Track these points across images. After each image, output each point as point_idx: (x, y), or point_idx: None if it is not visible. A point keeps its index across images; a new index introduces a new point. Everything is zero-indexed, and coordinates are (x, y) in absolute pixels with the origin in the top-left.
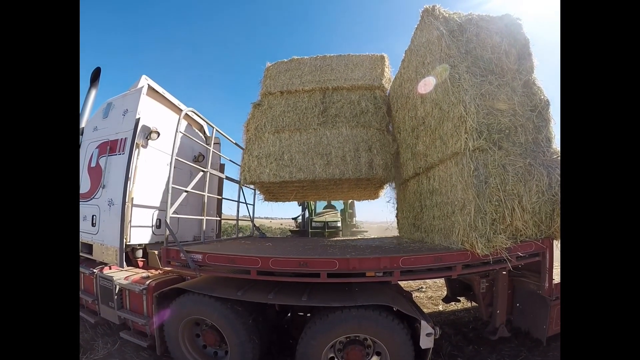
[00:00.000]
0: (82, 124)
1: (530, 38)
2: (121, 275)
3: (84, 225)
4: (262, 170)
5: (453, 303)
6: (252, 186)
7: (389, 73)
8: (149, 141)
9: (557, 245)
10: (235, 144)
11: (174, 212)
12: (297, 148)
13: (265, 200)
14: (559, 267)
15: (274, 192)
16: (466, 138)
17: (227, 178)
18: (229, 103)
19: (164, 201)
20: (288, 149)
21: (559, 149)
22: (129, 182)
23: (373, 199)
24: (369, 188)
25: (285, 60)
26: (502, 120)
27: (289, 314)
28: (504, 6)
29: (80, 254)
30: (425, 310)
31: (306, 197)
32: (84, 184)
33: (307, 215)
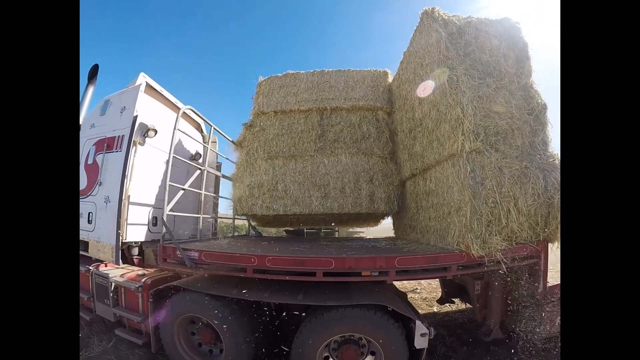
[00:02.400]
0: (80, 121)
1: (528, 42)
2: (117, 273)
3: (80, 222)
4: (254, 202)
5: (447, 304)
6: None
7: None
8: (146, 139)
9: (552, 248)
10: (233, 142)
11: (170, 209)
12: (292, 178)
13: (258, 225)
14: (554, 269)
15: (268, 221)
16: (463, 140)
17: (224, 177)
18: (227, 99)
19: (160, 199)
20: (282, 179)
21: (555, 152)
22: (125, 179)
23: (373, 227)
24: (369, 219)
25: (280, 75)
26: (499, 122)
27: (285, 313)
28: (504, 10)
29: None
30: (419, 311)
31: (302, 225)
32: (81, 181)
33: None
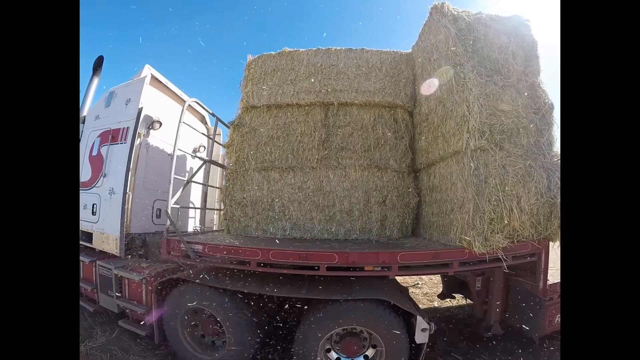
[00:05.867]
0: (84, 113)
1: (538, 40)
2: (121, 264)
3: (84, 214)
4: (247, 223)
5: (448, 300)
6: None
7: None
8: (151, 131)
9: (553, 246)
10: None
11: (174, 202)
12: (290, 195)
13: None
14: (554, 268)
15: None
16: (468, 137)
17: None
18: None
19: (164, 191)
20: (279, 195)
21: (559, 152)
22: (130, 171)
23: None
24: None
25: (273, 53)
26: (505, 121)
27: (287, 306)
28: (516, 7)
29: (80, 242)
30: (420, 306)
31: None
32: (85, 173)
33: None
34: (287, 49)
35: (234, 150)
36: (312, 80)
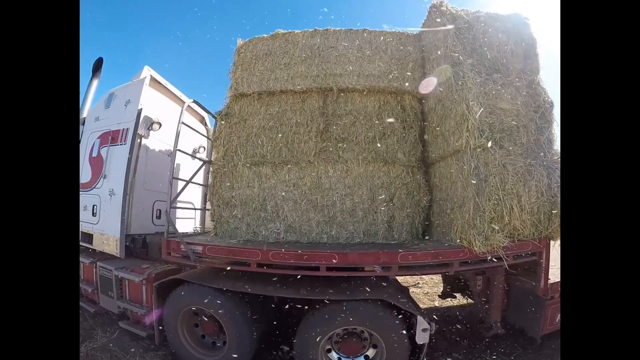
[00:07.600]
0: (84, 114)
1: (537, 38)
2: (121, 265)
3: (85, 215)
4: (237, 225)
5: (449, 299)
6: None
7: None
8: (151, 132)
9: (554, 245)
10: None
11: (174, 203)
12: (284, 194)
13: None
14: (555, 267)
15: None
16: (467, 136)
17: None
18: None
19: (164, 192)
20: (272, 194)
21: (560, 150)
22: (130, 172)
23: None
24: None
25: (266, 36)
26: (504, 119)
27: (287, 306)
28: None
29: (80, 243)
30: (421, 306)
31: None
32: (85, 174)
33: None
34: (281, 31)
35: (222, 143)
36: (309, 63)
